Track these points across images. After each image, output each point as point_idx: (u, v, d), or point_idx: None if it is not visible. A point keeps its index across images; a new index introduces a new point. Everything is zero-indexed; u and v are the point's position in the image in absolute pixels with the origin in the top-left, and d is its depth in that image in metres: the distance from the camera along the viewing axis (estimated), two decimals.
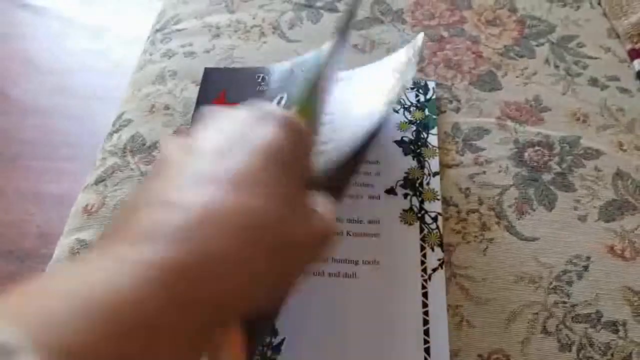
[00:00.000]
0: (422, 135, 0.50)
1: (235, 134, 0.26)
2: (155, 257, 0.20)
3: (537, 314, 0.41)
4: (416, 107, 0.52)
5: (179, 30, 0.62)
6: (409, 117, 0.51)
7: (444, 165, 0.49)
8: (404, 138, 0.50)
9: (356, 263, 0.43)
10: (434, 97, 0.52)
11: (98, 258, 0.21)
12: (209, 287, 0.21)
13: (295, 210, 0.25)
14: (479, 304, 0.42)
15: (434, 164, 0.48)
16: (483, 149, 0.50)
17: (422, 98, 0.52)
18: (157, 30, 0.63)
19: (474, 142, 0.50)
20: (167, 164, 0.26)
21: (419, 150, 0.49)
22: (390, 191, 0.47)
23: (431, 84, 0.53)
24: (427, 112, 0.51)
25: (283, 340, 0.40)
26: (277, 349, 0.39)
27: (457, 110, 0.52)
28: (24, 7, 1.50)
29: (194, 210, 0.22)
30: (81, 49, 1.39)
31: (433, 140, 0.50)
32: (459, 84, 0.54)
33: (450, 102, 0.53)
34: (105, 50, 1.38)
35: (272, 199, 0.24)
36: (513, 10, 0.61)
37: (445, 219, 0.46)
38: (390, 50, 0.57)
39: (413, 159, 0.48)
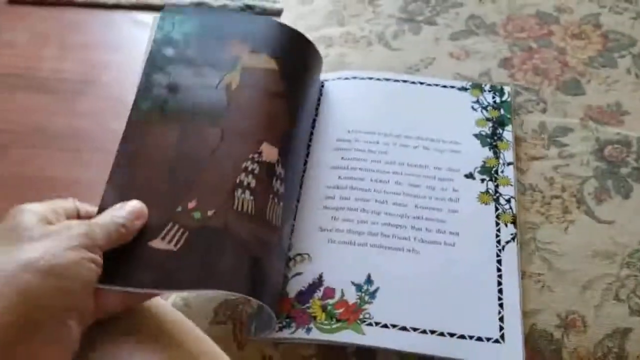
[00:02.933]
0: (497, 131, 0.57)
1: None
2: None
3: (610, 284, 0.48)
4: (492, 107, 0.59)
5: None
6: (486, 114, 0.59)
7: (531, 158, 0.56)
8: (482, 132, 0.57)
9: (438, 231, 0.51)
10: (509, 99, 0.60)
11: None
12: None
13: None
14: (558, 273, 0.49)
15: (508, 155, 0.56)
16: (567, 145, 0.56)
17: (497, 99, 0.60)
18: None
19: (558, 139, 0.57)
20: None
21: (494, 144, 0.56)
22: (469, 176, 0.54)
23: (507, 88, 0.61)
24: (502, 111, 0.59)
25: (378, 288, 0.48)
26: (372, 295, 0.48)
27: (544, 111, 0.59)
28: (137, 22, 1.67)
29: None
30: None
31: (508, 135, 0.57)
32: (545, 88, 0.61)
33: (538, 103, 0.60)
34: None
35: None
36: (597, 25, 0.68)
37: (532, 202, 0.53)
38: (483, 59, 0.65)
39: (489, 150, 0.56)
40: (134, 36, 1.61)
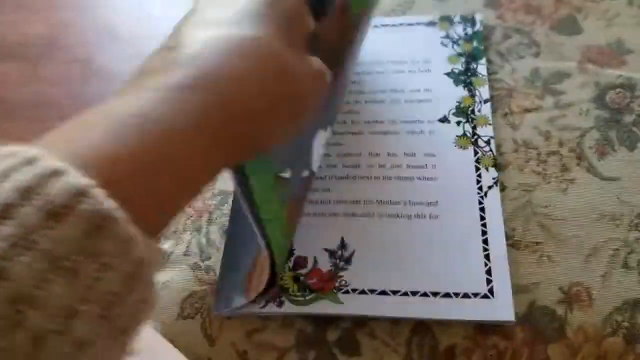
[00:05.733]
0: (471, 66, 0.52)
1: None
2: (179, 80, 0.25)
3: (618, 249, 0.42)
4: (464, 39, 0.54)
5: None
6: (458, 50, 0.54)
7: (524, 110, 0.50)
8: (454, 70, 0.52)
9: (411, 180, 0.46)
10: (480, 29, 0.55)
11: (132, 89, 0.25)
12: (234, 99, 0.26)
13: (295, 50, 0.29)
14: (558, 241, 0.43)
15: (484, 91, 0.51)
16: (563, 93, 0.50)
17: (469, 31, 0.55)
18: None
19: (554, 86, 0.51)
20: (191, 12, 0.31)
21: (469, 80, 0.51)
22: (444, 120, 0.49)
23: (478, 17, 0.55)
24: (474, 43, 0.54)
25: (353, 252, 0.44)
26: (348, 261, 0.43)
27: (537, 55, 0.53)
28: None
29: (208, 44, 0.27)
30: (159, 17, 1.44)
31: (482, 69, 0.52)
32: (538, 28, 0.54)
33: (530, 47, 0.53)
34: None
35: (275, 35, 0.28)
36: None
37: (526, 161, 0.47)
38: None
39: (464, 89, 0.51)
40: None
